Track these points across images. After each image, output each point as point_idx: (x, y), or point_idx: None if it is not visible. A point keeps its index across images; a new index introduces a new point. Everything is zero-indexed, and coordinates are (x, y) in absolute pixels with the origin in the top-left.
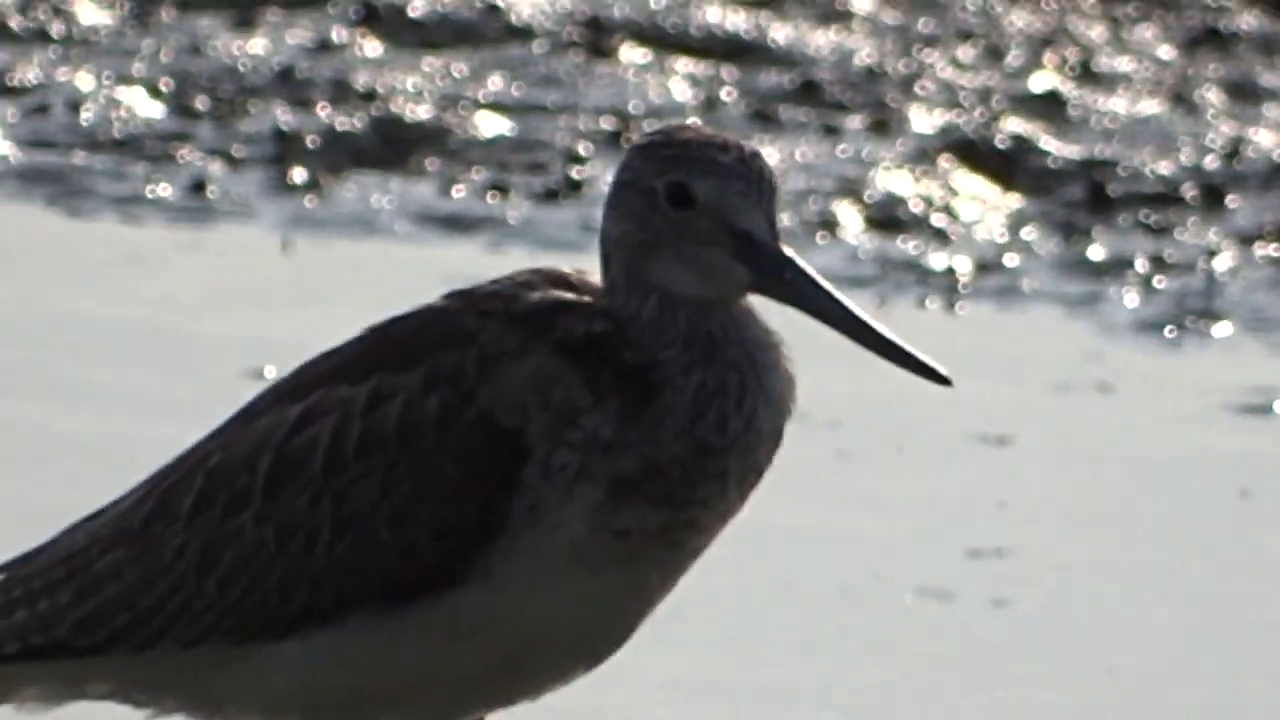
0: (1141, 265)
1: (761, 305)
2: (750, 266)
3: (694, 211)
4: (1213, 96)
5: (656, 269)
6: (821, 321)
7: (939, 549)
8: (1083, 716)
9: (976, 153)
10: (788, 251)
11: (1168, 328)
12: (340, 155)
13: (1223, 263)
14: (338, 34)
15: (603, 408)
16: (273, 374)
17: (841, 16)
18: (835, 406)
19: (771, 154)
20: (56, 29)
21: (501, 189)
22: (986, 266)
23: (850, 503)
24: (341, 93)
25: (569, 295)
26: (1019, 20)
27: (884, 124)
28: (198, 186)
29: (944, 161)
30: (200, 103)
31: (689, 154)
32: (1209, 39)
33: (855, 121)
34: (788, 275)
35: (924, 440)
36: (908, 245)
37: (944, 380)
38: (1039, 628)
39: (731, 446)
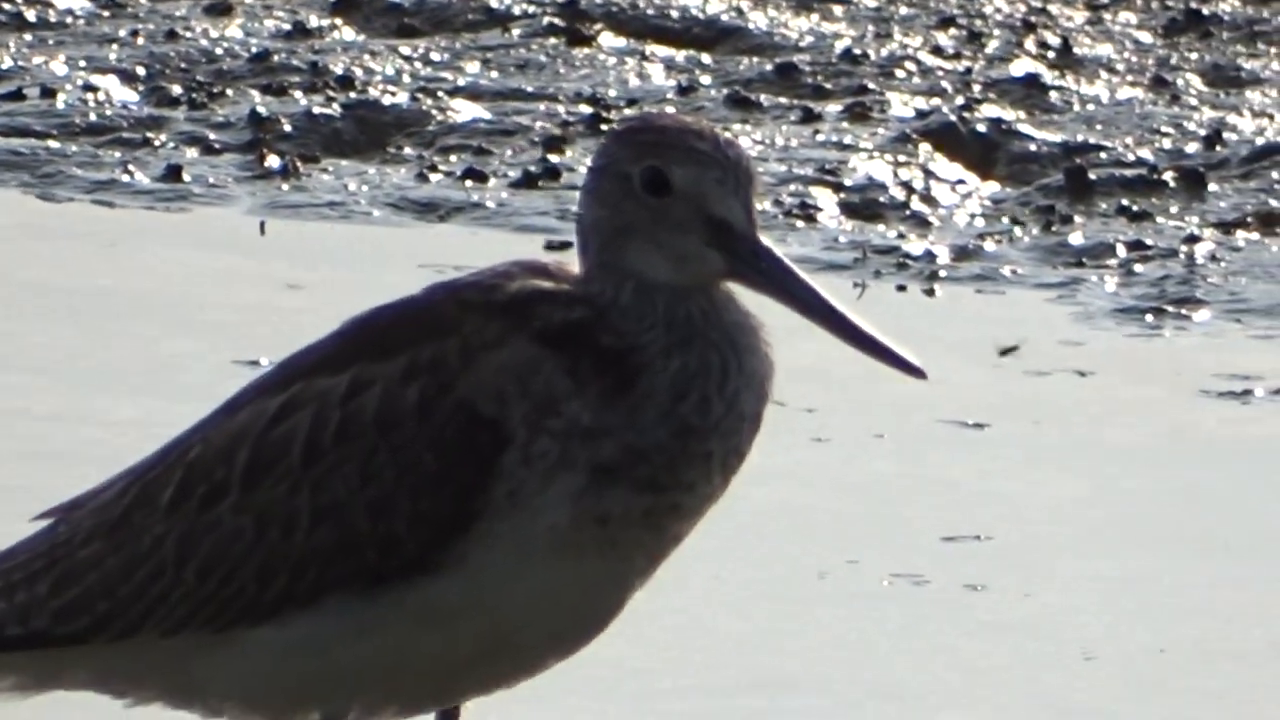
0: (1121, 251)
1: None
2: (726, 254)
3: (670, 198)
4: (1193, 82)
5: (632, 255)
6: (797, 311)
7: (915, 534)
8: (1058, 701)
9: (955, 138)
10: (764, 240)
11: (1147, 314)
12: (316, 141)
13: (1203, 249)
14: (314, 19)
15: (582, 394)
16: (249, 357)
17: (820, 1)
18: (812, 391)
19: (749, 141)
20: (31, 14)
21: (479, 175)
22: (965, 252)
23: (826, 487)
24: (317, 78)
25: (548, 284)
26: (999, 4)
27: (863, 109)
28: (173, 172)
29: (923, 147)
30: (176, 89)
31: (666, 141)
32: (1190, 24)
33: (833, 107)
34: (763, 264)
35: (901, 425)
36: (886, 231)
37: (918, 373)
38: (1014, 613)
39: (715, 429)
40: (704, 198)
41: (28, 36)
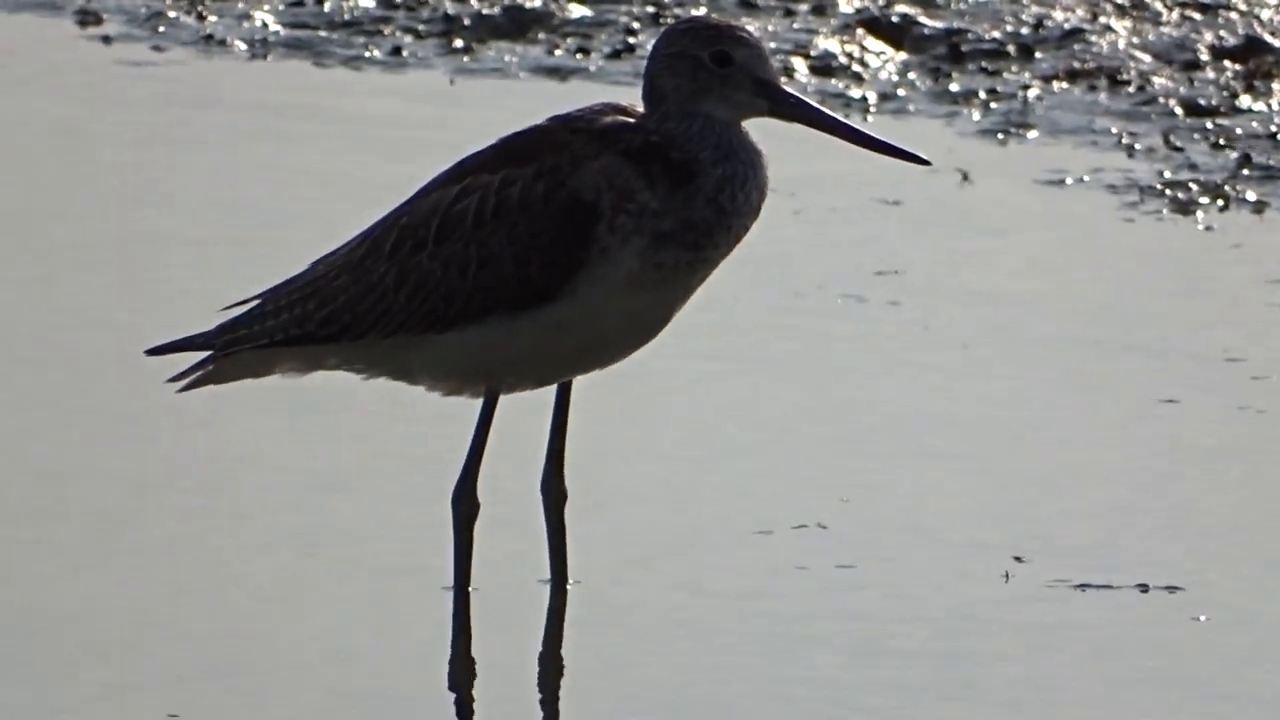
0: (982, 95)
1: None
2: (769, 100)
3: (733, 68)
4: None
5: (706, 104)
6: (821, 130)
7: (858, 269)
8: (953, 378)
9: (880, 25)
10: (790, 89)
11: (999, 134)
12: (484, 30)
13: (1032, 93)
14: None
15: (652, 188)
16: (427, 156)
17: None
18: (792, 183)
19: (755, 28)
20: None
21: (585, 50)
22: (886, 96)
23: (798, 242)
24: None
25: (629, 119)
26: None
27: (821, 8)
28: (396, 50)
29: (859, 31)
30: None
31: (722, 33)
32: None
33: (804, 8)
34: (795, 101)
35: (843, 204)
36: (838, 84)
37: (924, 161)
38: (922, 322)
39: (736, 211)
40: (753, 66)
41: None
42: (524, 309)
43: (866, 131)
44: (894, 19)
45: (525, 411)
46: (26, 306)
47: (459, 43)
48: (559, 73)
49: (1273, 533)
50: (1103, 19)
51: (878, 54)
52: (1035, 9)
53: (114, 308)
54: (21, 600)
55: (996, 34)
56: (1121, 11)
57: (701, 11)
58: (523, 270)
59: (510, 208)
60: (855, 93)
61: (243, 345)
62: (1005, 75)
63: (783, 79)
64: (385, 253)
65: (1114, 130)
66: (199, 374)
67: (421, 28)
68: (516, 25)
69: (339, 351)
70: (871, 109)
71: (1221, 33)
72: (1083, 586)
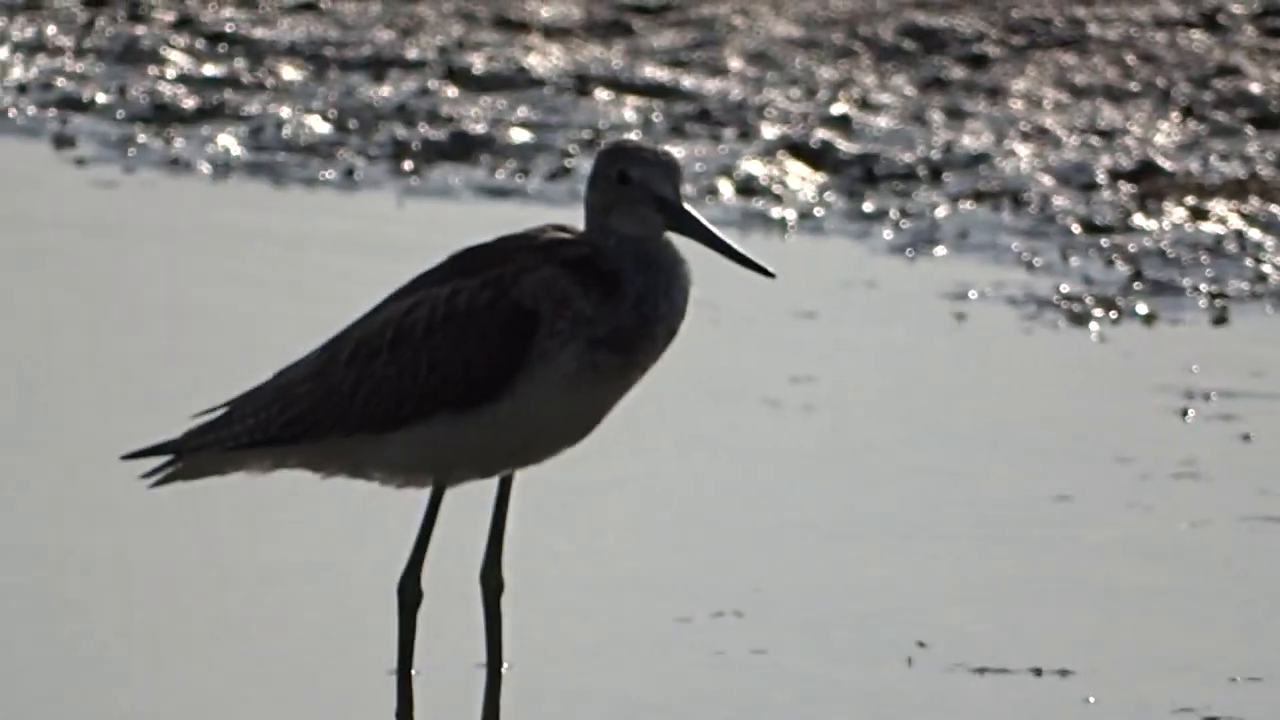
0: (894, 214)
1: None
2: (665, 215)
3: (632, 186)
4: (937, 117)
5: (614, 220)
6: (704, 245)
7: (771, 376)
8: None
9: (800, 150)
10: (687, 206)
11: (907, 249)
12: (431, 153)
13: (940, 212)
14: (431, 85)
15: (586, 297)
16: (380, 267)
17: (722, 73)
18: (710, 291)
19: (680, 152)
20: (268, 81)
21: (525, 172)
22: (805, 215)
23: (721, 349)
24: (433, 117)
25: (567, 235)
26: (826, 73)
27: (747, 133)
28: (349, 172)
29: (780, 154)
30: (351, 124)
31: (627, 154)
32: (935, 84)
33: (730, 133)
34: (685, 219)
35: (755, 314)
36: (758, 203)
37: (769, 273)
38: (837, 428)
39: (660, 318)
40: (651, 184)
41: (267, 94)
42: (470, 408)
43: (736, 247)
44: (813, 144)
45: (466, 506)
46: (12, 415)
47: (408, 165)
48: (501, 193)
49: (1156, 620)
50: (1007, 143)
51: (798, 176)
52: (944, 135)
53: (92, 415)
54: None
55: (908, 157)
56: (1025, 137)
57: (634, 136)
58: (469, 372)
59: (459, 315)
60: (775, 212)
61: (212, 448)
62: (915, 196)
63: (708, 198)
64: (343, 361)
65: (1015, 247)
66: (168, 471)
67: (373, 151)
68: (461, 149)
69: (300, 452)
70: (791, 226)
71: (1118, 156)
72: (981, 670)
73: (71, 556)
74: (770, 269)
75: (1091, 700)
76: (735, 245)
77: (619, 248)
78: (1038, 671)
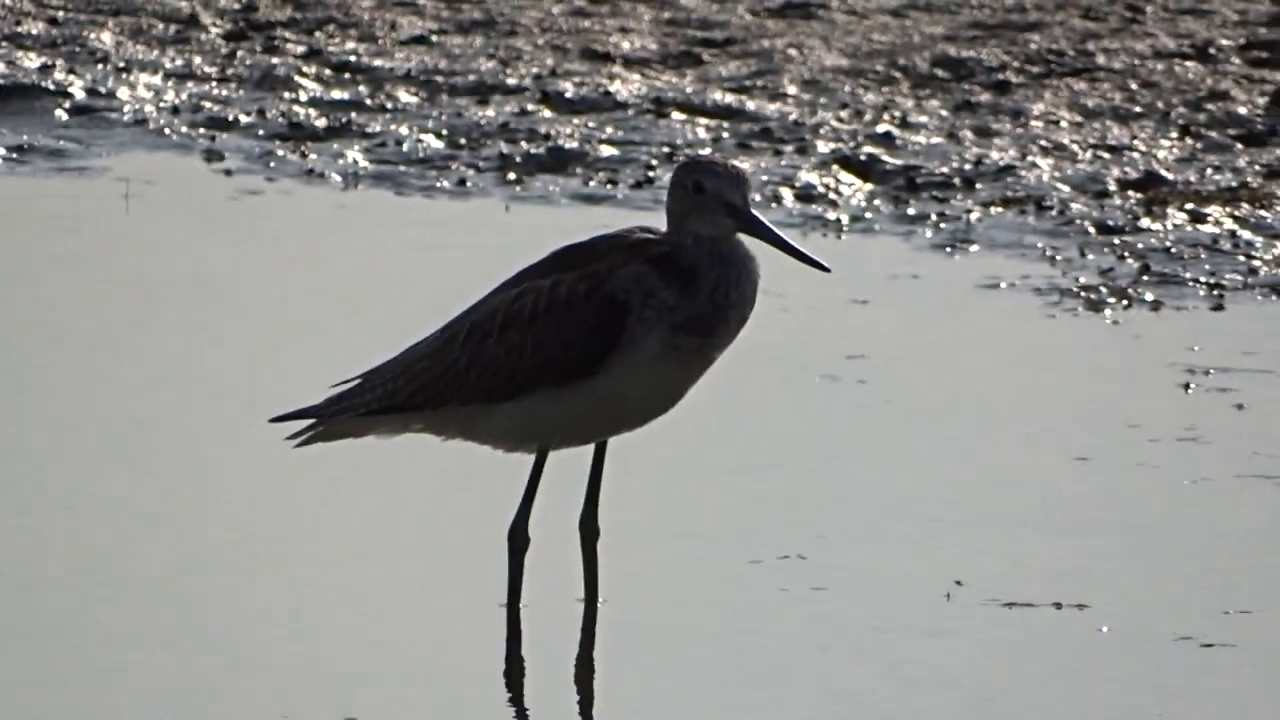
0: (933, 218)
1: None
2: (734, 219)
3: (705, 195)
4: (968, 134)
5: (690, 223)
6: (769, 244)
7: (831, 354)
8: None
9: (851, 162)
10: (754, 211)
11: (947, 248)
12: (533, 165)
13: (974, 216)
14: (529, 107)
15: (669, 288)
16: (487, 268)
17: (780, 97)
18: (779, 284)
19: (747, 165)
20: (388, 104)
21: (614, 182)
22: (856, 219)
23: (787, 331)
24: (533, 135)
25: (652, 236)
26: (870, 98)
27: (804, 149)
28: (461, 182)
29: (834, 167)
30: (461, 140)
31: (700, 167)
32: (966, 106)
33: (789, 149)
34: (752, 223)
35: (816, 302)
36: (817, 208)
37: (826, 268)
38: (887, 398)
39: (732, 306)
40: (722, 194)
41: (385, 115)
42: (568, 383)
43: (797, 246)
44: (862, 157)
45: (567, 466)
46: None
47: (512, 175)
48: (593, 199)
49: (1161, 561)
50: (1030, 158)
51: (849, 185)
52: (975, 150)
53: (242, 381)
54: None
55: (945, 169)
56: (1045, 151)
57: (706, 151)
58: (567, 353)
59: (559, 304)
60: (831, 215)
61: (347, 413)
62: (952, 202)
63: (772, 205)
64: (459, 341)
65: (1039, 245)
66: (310, 434)
67: (482, 164)
68: (558, 162)
69: (422, 418)
70: (845, 228)
71: (1126, 168)
72: (1009, 604)
73: (224, 514)
74: (827, 264)
75: (1104, 630)
76: (796, 244)
77: (696, 246)
78: (1058, 605)
